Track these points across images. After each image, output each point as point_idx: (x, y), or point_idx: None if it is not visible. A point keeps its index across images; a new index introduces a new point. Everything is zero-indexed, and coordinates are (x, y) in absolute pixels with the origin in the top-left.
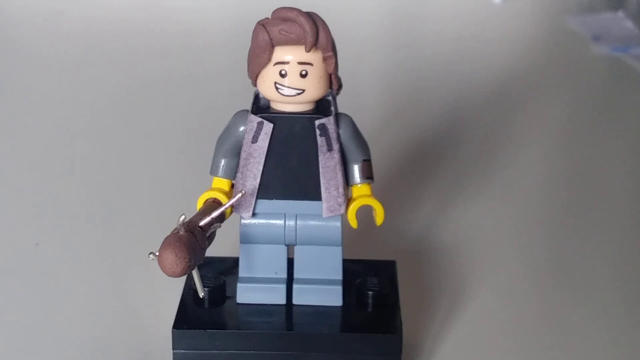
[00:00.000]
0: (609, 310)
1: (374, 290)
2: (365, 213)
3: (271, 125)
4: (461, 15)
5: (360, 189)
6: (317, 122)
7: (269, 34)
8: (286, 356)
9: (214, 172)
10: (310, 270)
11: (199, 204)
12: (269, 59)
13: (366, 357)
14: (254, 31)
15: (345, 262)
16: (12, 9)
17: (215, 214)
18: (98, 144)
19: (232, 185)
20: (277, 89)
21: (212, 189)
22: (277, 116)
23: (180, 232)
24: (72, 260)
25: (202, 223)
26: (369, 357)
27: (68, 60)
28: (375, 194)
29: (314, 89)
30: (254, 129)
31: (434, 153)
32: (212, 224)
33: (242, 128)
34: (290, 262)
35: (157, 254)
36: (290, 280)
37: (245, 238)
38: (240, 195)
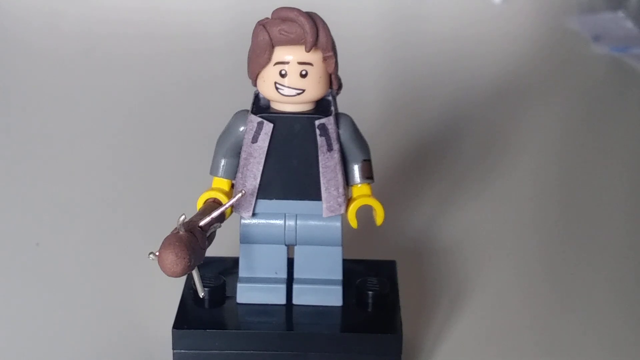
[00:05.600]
0: (608, 310)
1: (374, 290)
2: (365, 213)
3: (271, 125)
4: (461, 15)
5: (360, 189)
6: (317, 122)
7: (269, 34)
8: (286, 356)
9: (214, 172)
10: (310, 270)
11: (199, 204)
12: (269, 59)
13: (366, 357)
14: (254, 31)
15: (345, 262)
16: (13, 9)
17: (215, 214)
18: (98, 143)
19: (232, 185)
20: (277, 89)
21: (212, 189)
22: (277, 116)
23: (180, 232)
24: (72, 260)
25: (202, 223)
26: (369, 357)
27: (69, 60)
28: (375, 194)
29: (314, 89)
30: (254, 129)
31: (434, 153)
32: (212, 224)
33: (242, 128)
34: (290, 262)
35: (157, 254)
36: (290, 280)
37: (245, 238)
38: (240, 195)
